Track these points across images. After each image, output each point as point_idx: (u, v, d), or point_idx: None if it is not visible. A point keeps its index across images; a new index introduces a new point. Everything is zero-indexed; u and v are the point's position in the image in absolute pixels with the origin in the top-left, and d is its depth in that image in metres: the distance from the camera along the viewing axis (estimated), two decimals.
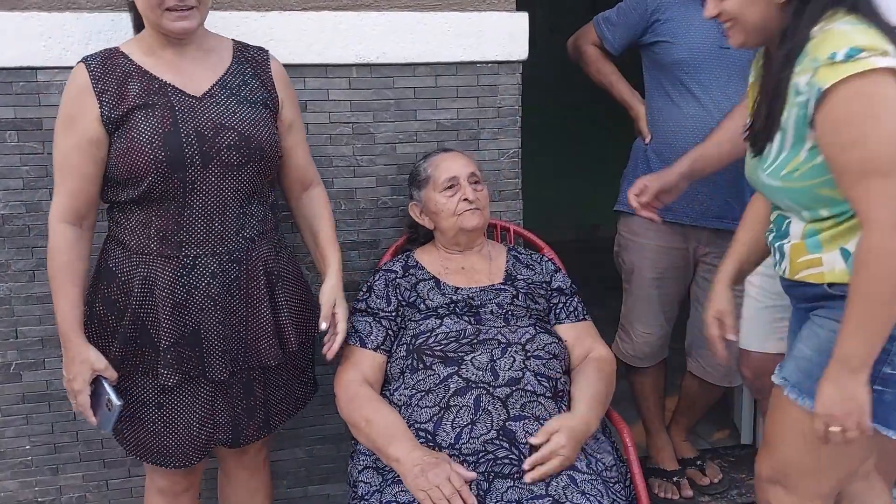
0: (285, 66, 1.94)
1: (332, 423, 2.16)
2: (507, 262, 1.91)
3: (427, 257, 1.91)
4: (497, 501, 1.48)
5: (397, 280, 1.84)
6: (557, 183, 5.54)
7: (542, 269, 1.92)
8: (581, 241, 5.77)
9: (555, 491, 1.47)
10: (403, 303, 1.80)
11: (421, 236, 2.00)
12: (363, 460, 1.65)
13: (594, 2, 5.11)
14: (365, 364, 1.74)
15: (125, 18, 1.84)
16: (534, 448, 1.54)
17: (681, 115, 2.11)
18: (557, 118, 5.14)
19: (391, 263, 1.90)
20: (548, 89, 5.22)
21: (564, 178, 5.51)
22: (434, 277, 1.85)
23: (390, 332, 1.78)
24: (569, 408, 1.67)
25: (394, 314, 1.79)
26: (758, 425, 2.64)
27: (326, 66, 1.97)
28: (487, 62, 2.06)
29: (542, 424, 1.58)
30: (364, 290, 1.84)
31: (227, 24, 1.89)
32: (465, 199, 1.84)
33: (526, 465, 1.51)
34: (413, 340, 1.72)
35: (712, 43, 2.05)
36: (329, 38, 1.95)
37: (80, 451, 2.02)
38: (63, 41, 1.83)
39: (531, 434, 1.56)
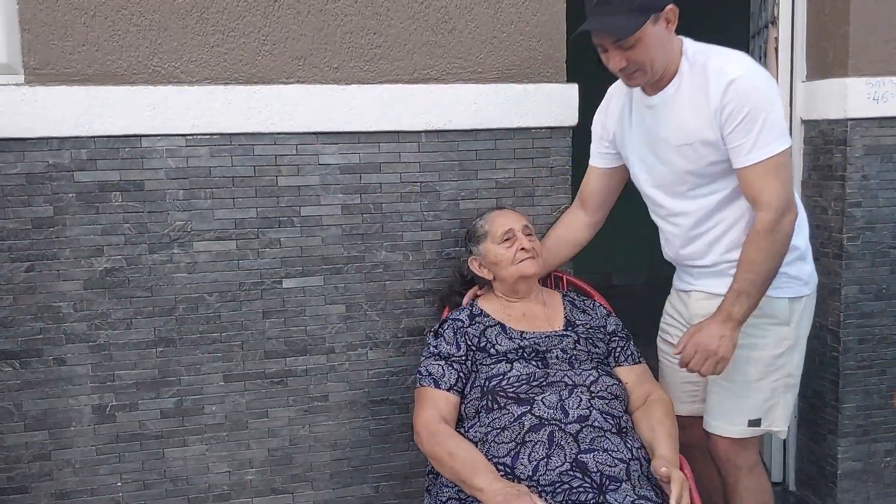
0: (362, 133, 2.15)
1: (396, 461, 2.30)
2: (564, 307, 2.09)
3: (490, 305, 2.08)
4: None
5: (465, 329, 2.00)
6: None
7: (596, 313, 2.09)
8: (595, 287, 5.88)
9: None
10: (473, 347, 1.96)
11: (461, 287, 2.16)
12: (446, 492, 1.79)
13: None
14: (440, 403, 1.88)
15: (220, 90, 2.05)
16: (605, 477, 1.69)
17: None
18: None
19: (457, 313, 2.06)
20: None
21: None
22: (500, 323, 2.02)
23: (461, 374, 1.93)
24: (633, 444, 1.82)
25: (464, 358, 1.95)
26: (787, 463, 2.77)
27: (399, 132, 2.17)
28: (541, 128, 2.26)
29: (610, 456, 1.73)
30: (432, 337, 2.00)
31: (311, 96, 2.10)
32: (522, 249, 2.02)
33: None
34: (487, 383, 1.88)
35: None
36: (402, 107, 2.15)
37: (167, 489, 2.16)
38: (166, 111, 2.04)
39: (602, 464, 1.71)
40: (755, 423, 1.97)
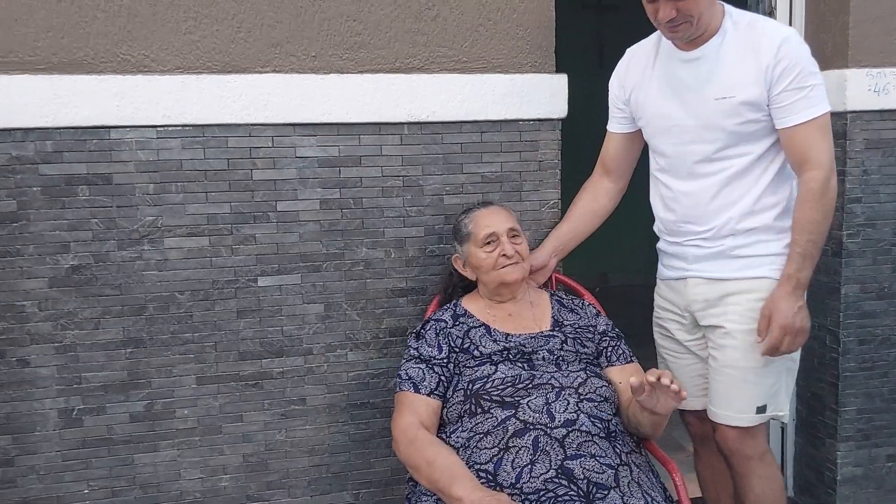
0: (342, 124, 2.07)
1: (377, 468, 2.21)
2: (552, 307, 2.00)
3: (474, 305, 1.99)
4: None
5: (448, 329, 1.92)
6: None
7: (585, 312, 2.01)
8: (591, 288, 5.83)
9: None
10: (456, 349, 1.88)
11: (455, 285, 2.08)
12: (425, 501, 1.70)
13: (601, 59, 5.35)
14: (420, 409, 1.80)
15: (192, 80, 1.96)
16: (592, 485, 1.60)
17: None
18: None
19: (440, 313, 1.98)
20: None
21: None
22: (484, 324, 1.93)
23: (443, 378, 1.85)
24: (623, 448, 1.73)
25: (445, 361, 1.86)
26: (786, 468, 2.68)
27: (380, 124, 2.09)
28: (529, 120, 2.18)
29: (598, 462, 1.65)
30: (413, 339, 1.92)
31: (288, 86, 2.02)
32: (504, 255, 1.93)
33: None
34: (470, 386, 1.80)
35: None
36: (383, 98, 2.07)
37: (136, 496, 2.07)
38: (135, 101, 1.95)
39: (588, 471, 1.62)
40: (762, 409, 1.93)
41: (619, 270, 6.00)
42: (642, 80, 1.97)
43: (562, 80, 2.17)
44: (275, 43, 2.02)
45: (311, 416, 2.15)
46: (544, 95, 2.16)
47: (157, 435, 2.07)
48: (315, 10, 2.03)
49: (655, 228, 2.09)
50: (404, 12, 2.07)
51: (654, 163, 2.02)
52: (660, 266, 2.10)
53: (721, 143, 1.86)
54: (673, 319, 2.06)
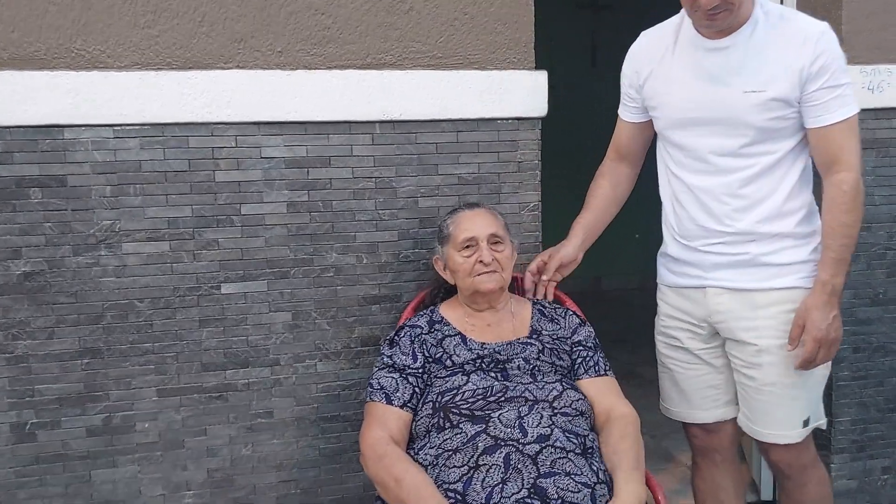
0: (310, 123, 1.97)
1: (349, 483, 2.12)
2: (532, 316, 1.90)
3: (452, 313, 1.90)
4: None
5: (423, 336, 1.82)
6: (560, 236, 5.58)
7: (566, 322, 1.91)
8: (585, 293, 5.79)
9: None
10: (430, 359, 1.79)
11: (442, 290, 1.99)
12: None
13: (594, 59, 5.29)
14: (391, 422, 1.71)
15: (151, 76, 1.87)
16: None
17: None
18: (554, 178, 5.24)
19: (416, 319, 1.89)
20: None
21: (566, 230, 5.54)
22: (460, 333, 1.84)
23: (417, 388, 1.75)
24: (600, 465, 1.64)
25: (420, 371, 1.77)
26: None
27: (350, 122, 1.99)
28: (508, 118, 2.08)
29: (573, 481, 1.55)
30: (387, 346, 1.82)
31: (252, 82, 1.92)
32: (481, 262, 1.83)
33: None
34: (439, 398, 1.70)
35: None
36: (353, 95, 1.97)
37: None
38: (91, 99, 1.85)
39: (563, 490, 1.53)
40: (806, 422, 1.87)
41: (613, 275, 5.93)
42: (660, 66, 1.86)
43: (541, 77, 2.08)
44: (238, 38, 1.92)
45: (278, 430, 2.05)
46: (523, 93, 2.07)
47: (116, 450, 1.97)
48: (281, 4, 1.93)
49: (666, 233, 1.96)
50: (376, 5, 1.98)
51: (667, 156, 1.90)
52: (664, 272, 1.97)
53: (747, 139, 1.76)
54: (684, 329, 1.94)
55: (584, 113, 5.41)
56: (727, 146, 1.78)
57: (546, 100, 2.10)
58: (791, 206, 1.79)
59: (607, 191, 2.03)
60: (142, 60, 1.88)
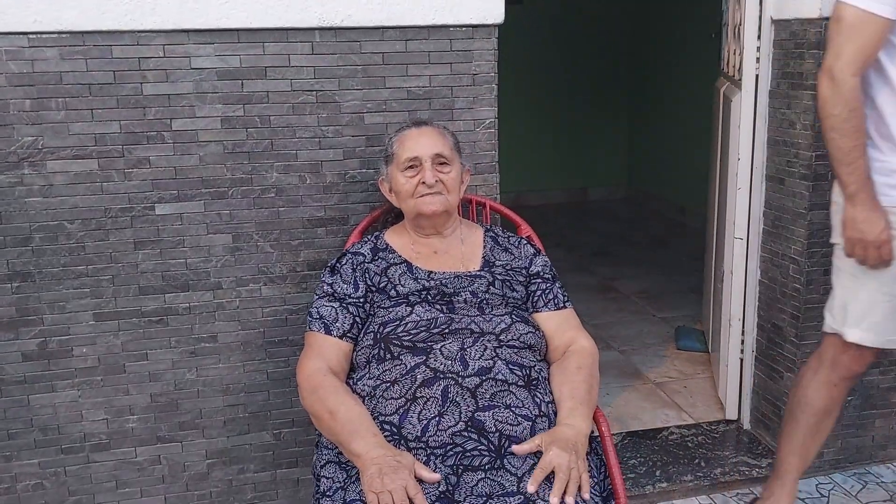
0: (242, 30, 1.82)
1: (298, 406, 2.05)
2: (484, 245, 1.81)
3: (398, 240, 1.80)
4: (467, 496, 1.40)
5: (366, 264, 1.74)
6: (547, 146, 5.44)
7: (520, 252, 1.82)
8: (573, 203, 5.74)
9: (525, 488, 1.39)
10: (373, 288, 1.70)
11: (392, 213, 1.89)
12: (326, 454, 1.57)
13: None
14: (330, 352, 1.64)
15: None
16: (504, 438, 1.46)
17: None
18: (538, 82, 5.03)
19: (359, 246, 1.79)
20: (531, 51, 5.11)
21: (553, 140, 5.40)
22: (406, 261, 1.75)
23: (358, 318, 1.68)
24: (544, 397, 1.58)
25: (362, 300, 1.69)
26: (742, 401, 2.58)
27: (287, 29, 1.84)
28: (461, 26, 1.93)
29: (513, 413, 1.50)
30: (328, 273, 1.74)
31: None
32: (423, 183, 1.72)
33: (531, 489, 1.39)
34: (381, 329, 1.63)
35: None
36: (289, 0, 1.81)
37: (36, 438, 1.94)
38: (1, 4, 1.70)
39: (501, 423, 1.48)
40: None
41: (600, 185, 5.80)
42: None
43: None
44: None
45: (223, 355, 2.00)
46: None
47: (55, 374, 1.92)
48: None
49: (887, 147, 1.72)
50: None
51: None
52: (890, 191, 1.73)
53: None
54: None
55: (545, 18, 5.15)
56: None
57: (503, 4, 1.93)
58: None
59: None
60: None
